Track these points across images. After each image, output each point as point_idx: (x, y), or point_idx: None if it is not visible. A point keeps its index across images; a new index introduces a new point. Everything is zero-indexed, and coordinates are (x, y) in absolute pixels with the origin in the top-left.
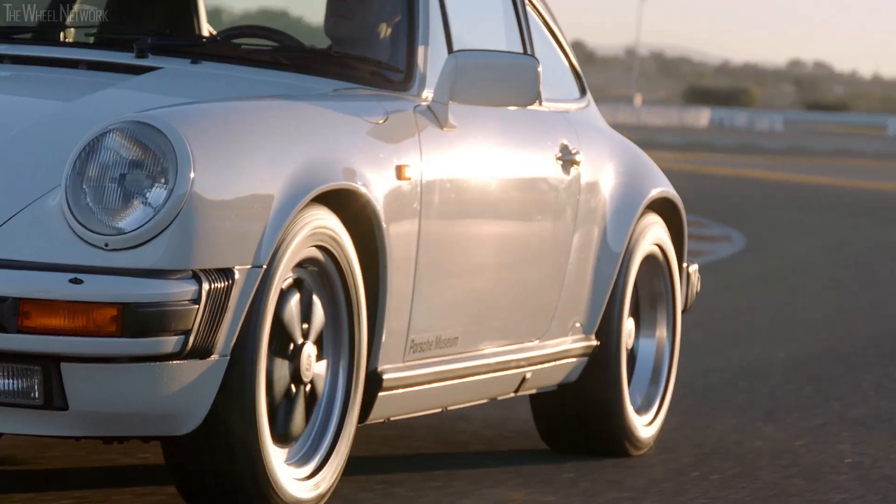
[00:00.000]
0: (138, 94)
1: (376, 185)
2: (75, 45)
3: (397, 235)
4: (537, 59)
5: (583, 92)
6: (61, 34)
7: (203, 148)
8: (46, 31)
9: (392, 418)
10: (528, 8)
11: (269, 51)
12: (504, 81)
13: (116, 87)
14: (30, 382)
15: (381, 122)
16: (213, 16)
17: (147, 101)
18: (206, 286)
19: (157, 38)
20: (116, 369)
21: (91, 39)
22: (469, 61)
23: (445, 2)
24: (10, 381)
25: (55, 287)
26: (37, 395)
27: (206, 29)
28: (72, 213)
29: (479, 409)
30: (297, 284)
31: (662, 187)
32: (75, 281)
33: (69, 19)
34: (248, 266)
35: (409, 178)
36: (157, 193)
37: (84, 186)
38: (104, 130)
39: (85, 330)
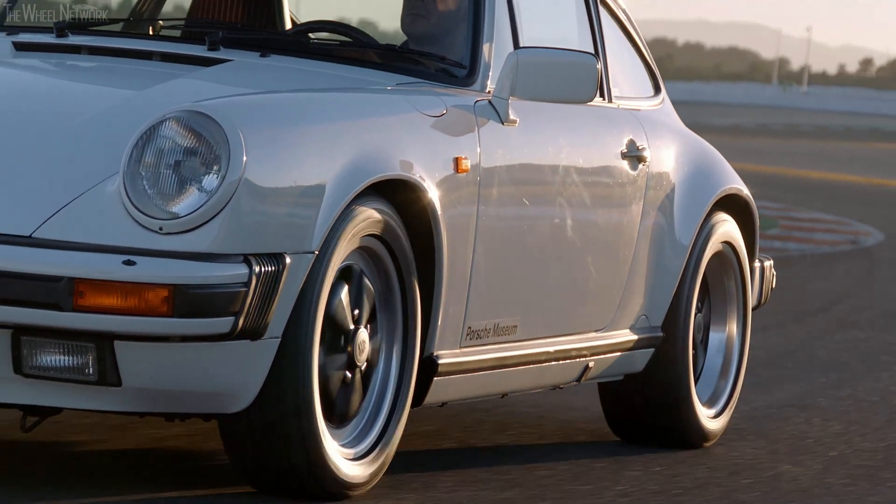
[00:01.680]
0: (204, 84)
1: (433, 177)
2: (154, 37)
3: (454, 225)
4: (597, 57)
5: (657, 90)
6: (146, 27)
7: (255, 136)
8: (126, 24)
9: (448, 402)
10: (602, 6)
11: (336, 45)
12: (563, 78)
13: (184, 78)
14: (84, 359)
15: (440, 115)
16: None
17: (211, 91)
18: (256, 270)
19: (229, 32)
20: (168, 348)
21: (177, 33)
22: (529, 58)
23: (514, 1)
24: (66, 357)
25: (109, 268)
26: (91, 372)
27: (288, 23)
28: (129, 197)
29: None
30: (353, 270)
31: (733, 184)
32: (128, 262)
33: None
34: (301, 252)
35: (468, 171)
36: (210, 180)
37: (141, 172)
38: (161, 119)
39: (137, 309)
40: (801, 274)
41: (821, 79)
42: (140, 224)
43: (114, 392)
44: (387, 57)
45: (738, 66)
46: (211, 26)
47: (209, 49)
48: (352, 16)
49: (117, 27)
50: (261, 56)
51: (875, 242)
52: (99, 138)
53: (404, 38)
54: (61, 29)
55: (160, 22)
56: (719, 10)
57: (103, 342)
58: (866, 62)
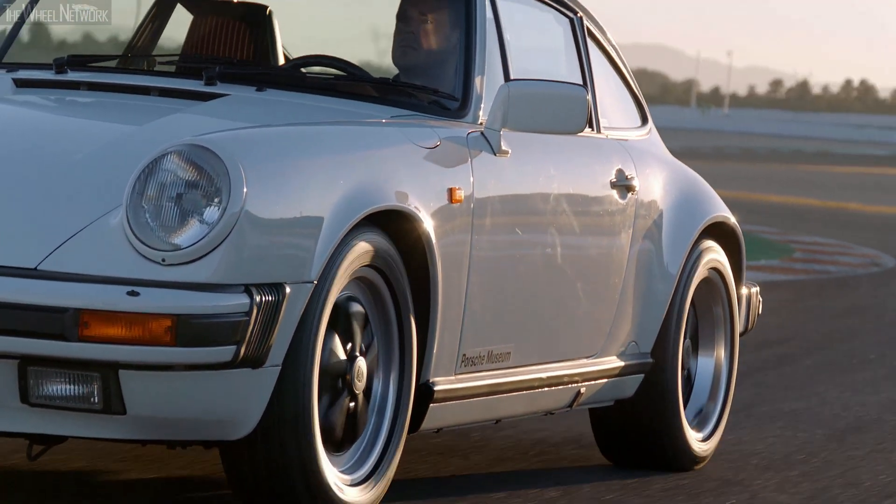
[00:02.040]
0: (203, 119)
1: (427, 207)
2: (152, 73)
3: (448, 255)
4: (586, 89)
5: (644, 120)
6: (143, 63)
7: (255, 169)
8: (122, 60)
9: (443, 428)
10: (589, 39)
11: (331, 79)
12: (554, 109)
13: (182, 113)
14: (90, 388)
15: (433, 147)
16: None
17: (210, 125)
18: (257, 299)
19: (225, 67)
20: (171, 377)
21: (172, 68)
22: (520, 90)
23: (503, 32)
24: (71, 386)
25: (113, 299)
26: (96, 401)
27: (282, 57)
28: (131, 229)
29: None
30: (350, 300)
31: (719, 212)
32: (132, 293)
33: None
34: (300, 281)
35: (461, 201)
36: (211, 212)
37: (143, 205)
38: (163, 153)
39: (141, 339)
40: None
41: (734, 101)
42: (143, 255)
43: (118, 420)
44: (380, 90)
45: (650, 89)
46: (207, 62)
47: (206, 84)
48: (341, 50)
49: (114, 63)
50: (257, 90)
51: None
52: (100, 172)
53: (394, 71)
54: (60, 65)
55: (156, 58)
56: (624, 32)
57: (108, 371)
58: (776, 83)
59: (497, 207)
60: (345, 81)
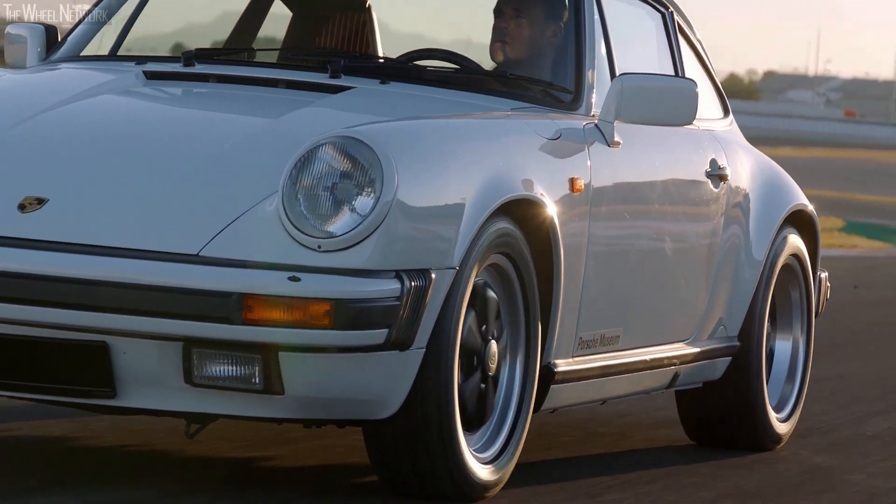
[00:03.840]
0: (339, 111)
1: (552, 196)
2: (271, 65)
3: (569, 243)
4: (695, 82)
5: (726, 111)
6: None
7: (405, 161)
8: (246, 53)
9: (559, 408)
10: (679, 34)
11: (451, 72)
12: (665, 102)
13: (318, 105)
14: (251, 369)
15: (555, 138)
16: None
17: (348, 117)
18: (407, 285)
19: (349, 60)
20: (327, 358)
21: (286, 59)
22: (633, 83)
23: (607, 26)
24: (234, 367)
25: (276, 284)
26: (257, 381)
27: (380, 49)
28: (288, 218)
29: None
30: (483, 286)
31: (800, 201)
32: (293, 279)
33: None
34: (443, 267)
35: (582, 190)
36: (364, 201)
37: (298, 194)
38: (317, 144)
39: (301, 322)
40: None
41: None
42: (299, 242)
43: (276, 400)
44: (496, 83)
45: None
46: (331, 55)
47: (331, 77)
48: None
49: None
50: (381, 83)
51: None
52: (249, 162)
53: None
54: (189, 58)
55: (280, 51)
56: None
57: (269, 353)
58: None
59: (611, 196)
60: (463, 75)
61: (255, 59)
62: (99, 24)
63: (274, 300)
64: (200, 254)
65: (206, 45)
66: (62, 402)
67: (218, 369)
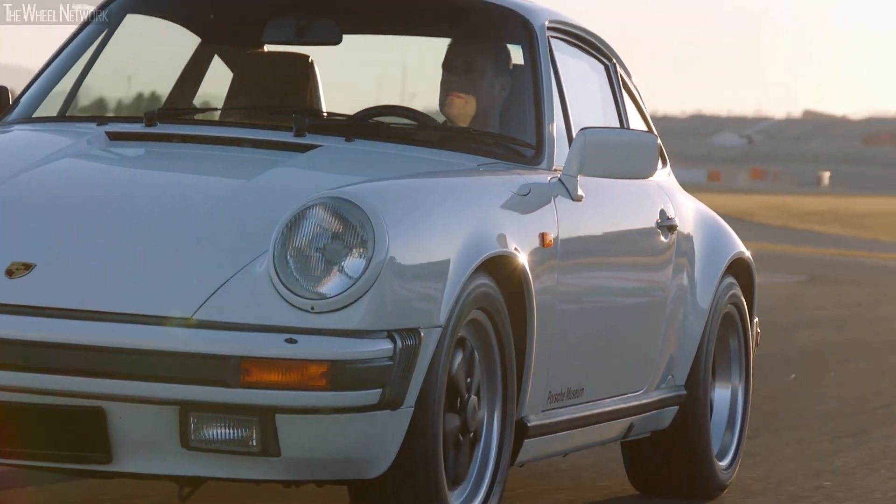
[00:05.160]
0: (312, 171)
1: (525, 251)
2: (233, 124)
3: (541, 297)
4: (656, 136)
5: (664, 161)
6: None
7: (393, 220)
8: (203, 113)
9: (526, 462)
10: (622, 88)
11: (414, 129)
12: (628, 156)
13: (289, 165)
14: (248, 432)
15: (524, 194)
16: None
17: (323, 178)
18: (399, 344)
19: (312, 119)
20: (322, 419)
21: (245, 118)
22: (596, 138)
23: (561, 79)
24: (231, 430)
25: (273, 347)
26: (254, 444)
27: (324, 104)
28: (280, 279)
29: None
30: (462, 342)
31: (739, 249)
32: (290, 341)
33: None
34: (431, 326)
35: (551, 244)
36: (356, 262)
37: (289, 256)
38: (307, 205)
39: (298, 384)
40: None
41: None
42: (291, 304)
43: (272, 462)
44: (458, 138)
45: None
46: (295, 113)
47: (296, 135)
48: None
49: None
50: (346, 140)
51: None
52: (231, 223)
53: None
54: (150, 118)
55: (242, 110)
56: None
57: (266, 415)
58: None
59: (577, 250)
60: (426, 131)
61: (220, 119)
62: (99, 25)
63: (271, 363)
64: (194, 317)
65: (147, 104)
66: (56, 469)
67: (215, 432)
